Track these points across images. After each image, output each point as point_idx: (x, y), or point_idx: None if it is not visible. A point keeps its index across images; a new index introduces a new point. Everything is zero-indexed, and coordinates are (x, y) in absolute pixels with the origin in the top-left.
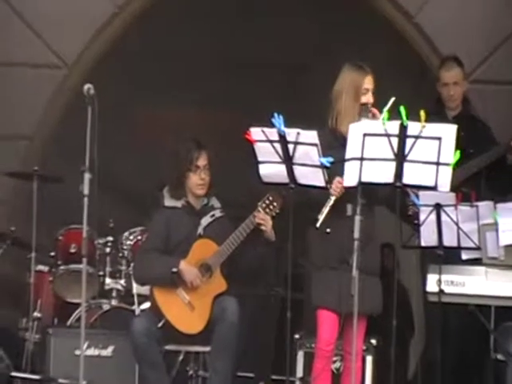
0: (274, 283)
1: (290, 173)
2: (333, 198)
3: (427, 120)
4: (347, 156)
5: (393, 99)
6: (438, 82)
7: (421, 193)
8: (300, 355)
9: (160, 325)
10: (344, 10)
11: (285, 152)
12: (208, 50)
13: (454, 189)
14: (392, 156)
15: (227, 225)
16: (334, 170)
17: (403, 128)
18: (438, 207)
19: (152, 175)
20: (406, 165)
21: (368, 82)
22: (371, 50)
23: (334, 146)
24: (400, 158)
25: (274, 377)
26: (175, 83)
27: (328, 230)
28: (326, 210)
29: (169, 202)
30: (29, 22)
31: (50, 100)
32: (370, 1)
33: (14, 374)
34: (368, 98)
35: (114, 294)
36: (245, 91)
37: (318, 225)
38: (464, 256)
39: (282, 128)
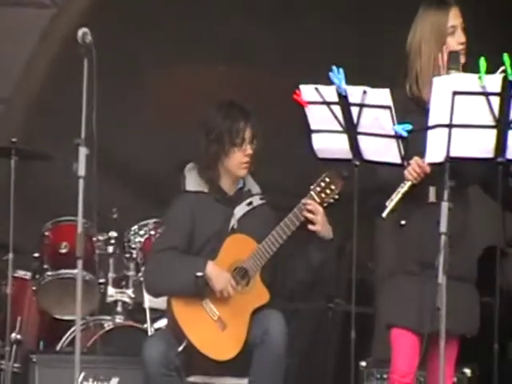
0: (334, 293)
1: (354, 145)
2: (407, 184)
3: None
4: (431, 122)
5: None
6: None
7: None
8: None
9: (181, 349)
10: None
11: (347, 117)
12: None
13: None
14: (492, 122)
15: (269, 216)
16: (414, 141)
17: (508, 83)
18: None
19: (169, 151)
20: (510, 133)
21: (453, 17)
22: None
23: (412, 109)
24: (502, 124)
25: None
26: (195, 31)
27: (403, 222)
28: (397, 198)
29: (192, 185)
30: None
31: (34, 50)
32: None
33: None
34: (458, 39)
35: (119, 308)
36: (289, 40)
37: (384, 214)
38: None
39: (343, 85)
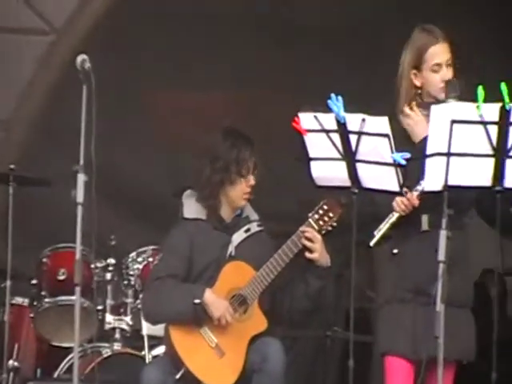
0: (332, 321)
1: (353, 173)
2: (396, 215)
3: None
4: (429, 150)
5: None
6: None
7: None
8: None
9: (178, 376)
10: None
11: (346, 145)
12: (239, 11)
13: None
14: (490, 150)
15: (267, 243)
16: (412, 169)
17: (505, 112)
18: None
19: (168, 177)
20: (508, 162)
21: (439, 53)
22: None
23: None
24: (500, 153)
25: None
26: (196, 56)
27: (395, 251)
28: (385, 228)
29: (190, 212)
30: None
31: (34, 75)
32: None
33: None
34: (442, 76)
35: (117, 335)
36: (290, 65)
37: (372, 243)
38: None
39: (342, 113)
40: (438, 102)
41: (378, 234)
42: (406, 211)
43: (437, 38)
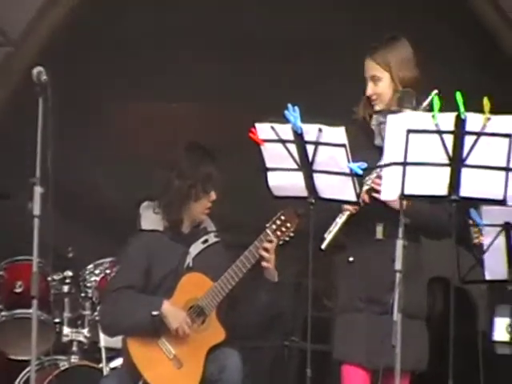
0: (290, 331)
1: (310, 183)
2: (346, 214)
3: (493, 110)
4: (385, 160)
5: (435, 92)
6: None
7: (484, 208)
8: None
9: None
10: None
11: (302, 155)
12: (199, 26)
13: None
14: (446, 160)
15: (224, 254)
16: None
17: (461, 122)
18: (507, 227)
19: (125, 189)
20: (464, 171)
21: (366, 68)
22: (427, 18)
23: (365, 145)
24: (456, 162)
25: None
26: (155, 67)
27: (351, 259)
28: (335, 229)
29: (147, 223)
30: None
31: None
32: None
33: None
34: (367, 89)
35: (74, 347)
36: (248, 78)
37: (323, 246)
38: None
39: (299, 123)
40: (390, 111)
41: (328, 236)
42: (356, 208)
43: (369, 53)
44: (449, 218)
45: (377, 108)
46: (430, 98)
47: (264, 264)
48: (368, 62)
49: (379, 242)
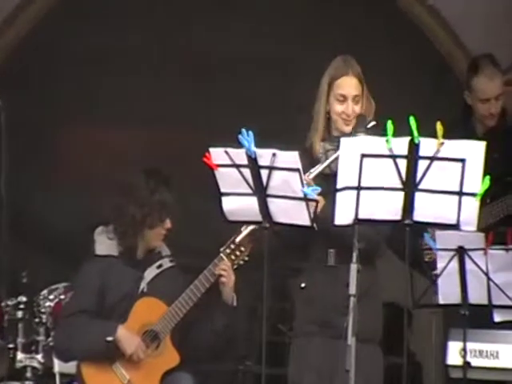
0: (245, 355)
1: (264, 208)
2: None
3: (447, 135)
4: (339, 184)
5: (373, 123)
6: (469, 93)
7: (438, 233)
8: None
9: None
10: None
11: (256, 180)
12: (152, 49)
13: (484, 228)
14: (399, 184)
15: (179, 278)
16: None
17: (414, 146)
18: (461, 252)
19: (79, 213)
20: (417, 195)
21: (345, 86)
22: (379, 42)
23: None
24: (410, 186)
25: None
26: (108, 91)
27: (303, 285)
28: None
29: (102, 248)
30: None
31: None
32: None
33: None
34: (345, 110)
35: (28, 373)
36: (202, 102)
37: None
38: (497, 317)
39: (253, 148)
40: (345, 135)
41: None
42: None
43: (346, 69)
44: (378, 238)
45: (346, 129)
46: (372, 123)
47: (223, 280)
48: (351, 80)
49: (331, 268)
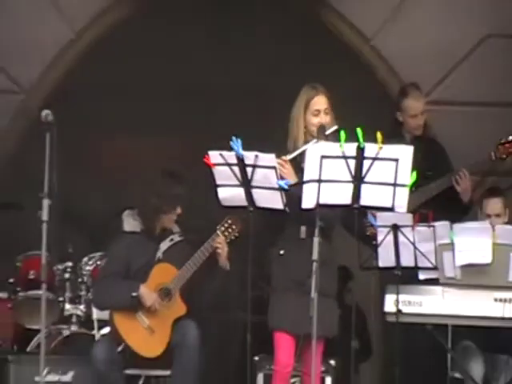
0: (236, 306)
1: (249, 196)
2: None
3: (384, 142)
4: (305, 178)
5: (334, 128)
6: (401, 112)
7: (378, 214)
8: (260, 377)
9: (120, 349)
10: (301, 35)
11: (243, 175)
12: (164, 79)
13: (412, 211)
14: (350, 178)
15: (186, 249)
16: (293, 191)
17: (360, 150)
18: (395, 228)
19: (111, 201)
20: (363, 186)
21: (318, 103)
22: (330, 75)
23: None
24: (357, 179)
25: None
26: (133, 112)
27: (281, 252)
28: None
29: (128, 226)
30: None
31: (8, 125)
32: (328, 25)
33: None
34: (320, 120)
35: (73, 319)
36: (202, 117)
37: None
38: (421, 276)
39: (240, 151)
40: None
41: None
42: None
43: (317, 91)
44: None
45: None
46: (332, 129)
47: (218, 251)
48: (321, 98)
49: (303, 240)
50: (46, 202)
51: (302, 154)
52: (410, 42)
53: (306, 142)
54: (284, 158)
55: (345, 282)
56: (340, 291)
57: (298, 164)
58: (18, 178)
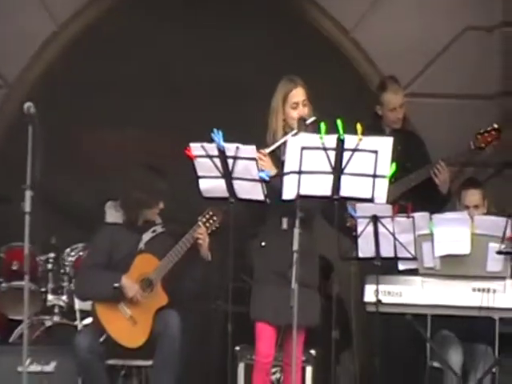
0: (217, 297)
1: (230, 187)
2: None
3: (364, 134)
4: (285, 169)
5: (313, 118)
6: (380, 105)
7: (358, 205)
8: (241, 367)
9: (102, 339)
10: (280, 26)
11: (224, 167)
12: (150, 74)
13: (391, 202)
14: (329, 169)
15: (168, 240)
16: (274, 183)
17: (340, 141)
18: (374, 219)
19: (94, 193)
20: (343, 178)
21: (296, 95)
22: (310, 67)
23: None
24: (337, 171)
25: None
26: (115, 106)
27: (263, 244)
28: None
29: (111, 217)
30: None
31: None
32: (308, 18)
33: None
34: (299, 112)
35: (56, 310)
36: (181, 112)
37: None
38: (401, 266)
39: (222, 143)
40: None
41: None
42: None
43: (295, 84)
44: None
45: (295, 129)
46: (312, 120)
47: (199, 242)
48: (299, 90)
49: (284, 231)
50: (28, 194)
51: (282, 146)
52: (389, 35)
53: (285, 134)
54: (262, 151)
55: (325, 272)
56: (321, 282)
57: (277, 157)
58: (5, 171)
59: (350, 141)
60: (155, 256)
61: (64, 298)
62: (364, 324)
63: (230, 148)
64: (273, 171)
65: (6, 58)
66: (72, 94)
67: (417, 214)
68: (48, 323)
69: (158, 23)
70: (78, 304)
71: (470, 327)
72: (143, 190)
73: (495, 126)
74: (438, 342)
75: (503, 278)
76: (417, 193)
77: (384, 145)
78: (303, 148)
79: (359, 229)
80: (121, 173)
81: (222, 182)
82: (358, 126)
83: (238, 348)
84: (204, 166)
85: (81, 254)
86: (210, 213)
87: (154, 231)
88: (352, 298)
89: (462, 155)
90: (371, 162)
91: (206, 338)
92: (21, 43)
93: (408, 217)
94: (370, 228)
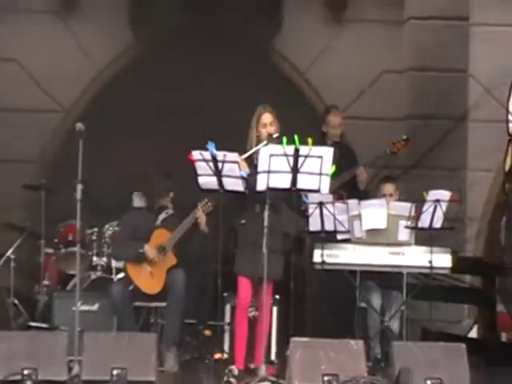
0: (212, 259)
1: (220, 182)
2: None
3: (313, 145)
4: (259, 169)
5: (277, 134)
6: (325, 125)
7: (309, 194)
8: (227, 307)
9: (130, 288)
10: (256, 71)
11: (216, 168)
12: (169, 99)
13: (332, 192)
14: (289, 169)
15: (177, 219)
16: (250, 179)
17: (297, 150)
18: (321, 204)
19: (126, 187)
20: (299, 175)
21: (265, 118)
22: (277, 98)
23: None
24: (294, 170)
25: (210, 322)
26: (138, 125)
27: (243, 222)
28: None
29: (136, 203)
30: (32, 74)
31: (51, 139)
32: (272, 61)
33: (30, 323)
34: (267, 130)
35: (99, 267)
36: (181, 127)
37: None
38: (339, 237)
39: (214, 151)
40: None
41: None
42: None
43: (265, 109)
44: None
45: (265, 141)
46: (277, 134)
47: (199, 221)
48: (268, 114)
49: (258, 213)
50: (79, 187)
51: (255, 153)
52: (331, 74)
53: (258, 145)
54: (240, 157)
55: (287, 242)
56: (286, 250)
57: (252, 161)
58: (63, 171)
59: (304, 150)
60: (167, 230)
61: (104, 259)
62: (313, 277)
63: (220, 154)
64: (248, 171)
65: (63, 89)
66: (109, 117)
67: (350, 201)
68: (93, 277)
69: (165, 65)
70: (114, 263)
71: (387, 279)
72: (157, 186)
73: (404, 137)
74: (364, 290)
75: (409, 245)
76: (349, 187)
77: (327, 153)
78: (271, 155)
79: (310, 211)
80: (143, 174)
81: (214, 179)
82: (309, 140)
83: (225, 294)
84: (202, 167)
85: (116, 229)
86: (206, 200)
87: (166, 213)
88: (306, 260)
89: (380, 158)
90: (318, 164)
91: (203, 288)
92: (74, 76)
93: (343, 203)
94: (318, 210)
